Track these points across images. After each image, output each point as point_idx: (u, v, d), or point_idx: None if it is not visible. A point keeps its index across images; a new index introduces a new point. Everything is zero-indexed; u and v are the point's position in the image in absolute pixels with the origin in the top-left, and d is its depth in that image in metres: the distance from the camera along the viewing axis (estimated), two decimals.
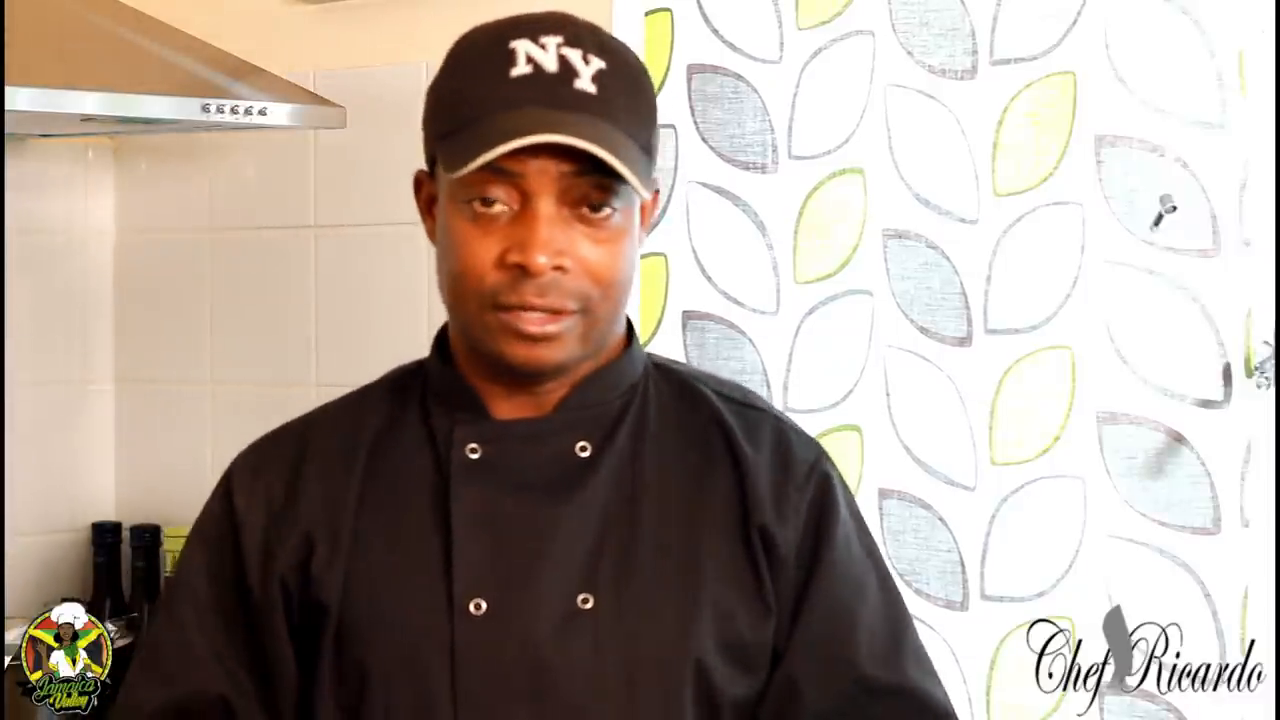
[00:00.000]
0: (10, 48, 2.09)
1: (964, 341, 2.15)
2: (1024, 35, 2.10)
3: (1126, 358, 2.06)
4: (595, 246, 1.55)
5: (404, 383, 1.69)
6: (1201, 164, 2.01)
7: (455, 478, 1.61)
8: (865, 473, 2.21)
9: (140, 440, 2.71)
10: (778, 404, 2.24)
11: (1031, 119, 2.09)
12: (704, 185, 2.28)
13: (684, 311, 2.29)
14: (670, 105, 2.28)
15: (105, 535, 2.56)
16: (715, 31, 2.26)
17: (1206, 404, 2.03)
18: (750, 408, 1.66)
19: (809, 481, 1.62)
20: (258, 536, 1.64)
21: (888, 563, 1.69)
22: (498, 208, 1.55)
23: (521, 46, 1.56)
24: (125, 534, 2.57)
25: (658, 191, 1.64)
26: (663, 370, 1.68)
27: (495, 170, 1.53)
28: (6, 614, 2.30)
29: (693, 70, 2.27)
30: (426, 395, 1.66)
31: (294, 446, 1.67)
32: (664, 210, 2.29)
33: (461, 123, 1.55)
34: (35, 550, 2.62)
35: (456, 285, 1.58)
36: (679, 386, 1.67)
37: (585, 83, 1.55)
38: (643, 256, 2.30)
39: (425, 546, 1.60)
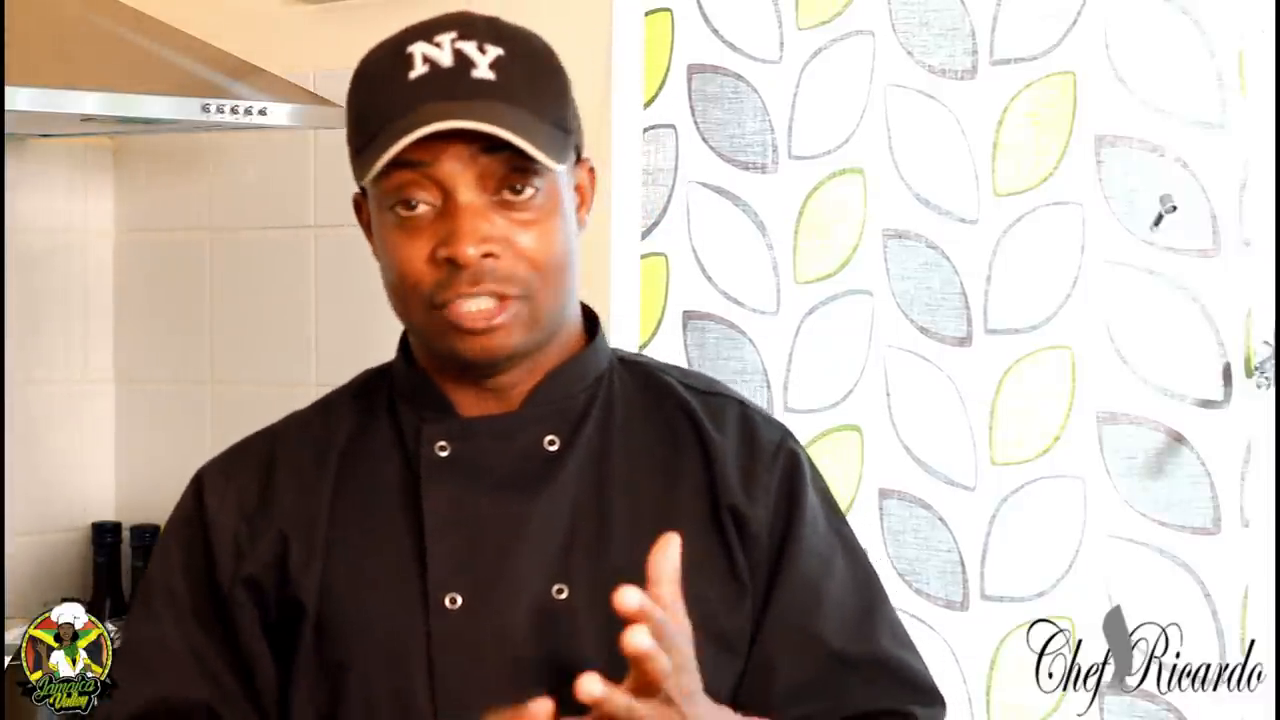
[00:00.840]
0: (10, 48, 2.09)
1: (964, 341, 2.15)
2: (1024, 35, 2.10)
3: (1126, 358, 2.06)
4: (523, 230, 1.57)
5: (371, 386, 1.71)
6: (1201, 164, 2.02)
7: (425, 476, 1.62)
8: (865, 473, 2.21)
9: (140, 440, 2.71)
10: (778, 404, 2.24)
11: (1031, 119, 2.10)
12: (704, 185, 2.28)
13: (684, 311, 2.29)
14: (670, 105, 2.28)
15: (105, 535, 2.57)
16: (715, 31, 2.26)
17: (1206, 404, 2.03)
18: (715, 395, 1.69)
19: (776, 462, 1.64)
20: (229, 536, 1.66)
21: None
22: (421, 209, 1.57)
23: (418, 49, 1.59)
24: (125, 534, 2.57)
25: (593, 169, 1.66)
26: (627, 363, 1.70)
27: (409, 168, 1.55)
28: (6, 614, 2.30)
29: (693, 70, 2.27)
30: (394, 397, 1.67)
31: (264, 454, 1.70)
32: (664, 210, 2.29)
33: (370, 134, 1.58)
34: (35, 550, 2.62)
35: (397, 292, 1.61)
36: (644, 378, 1.69)
37: (483, 71, 1.58)
38: (642, 257, 2.30)
39: (399, 545, 1.62)
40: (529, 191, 1.57)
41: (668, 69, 2.27)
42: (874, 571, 1.68)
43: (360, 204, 1.66)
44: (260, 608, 1.64)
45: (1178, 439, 2.04)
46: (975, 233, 2.14)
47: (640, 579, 1.55)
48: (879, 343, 2.20)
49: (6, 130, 2.17)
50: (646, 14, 2.28)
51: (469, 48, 1.59)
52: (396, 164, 1.55)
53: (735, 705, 1.60)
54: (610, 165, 2.29)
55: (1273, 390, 2.00)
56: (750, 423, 1.66)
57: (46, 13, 2.25)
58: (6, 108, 2.06)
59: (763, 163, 2.25)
